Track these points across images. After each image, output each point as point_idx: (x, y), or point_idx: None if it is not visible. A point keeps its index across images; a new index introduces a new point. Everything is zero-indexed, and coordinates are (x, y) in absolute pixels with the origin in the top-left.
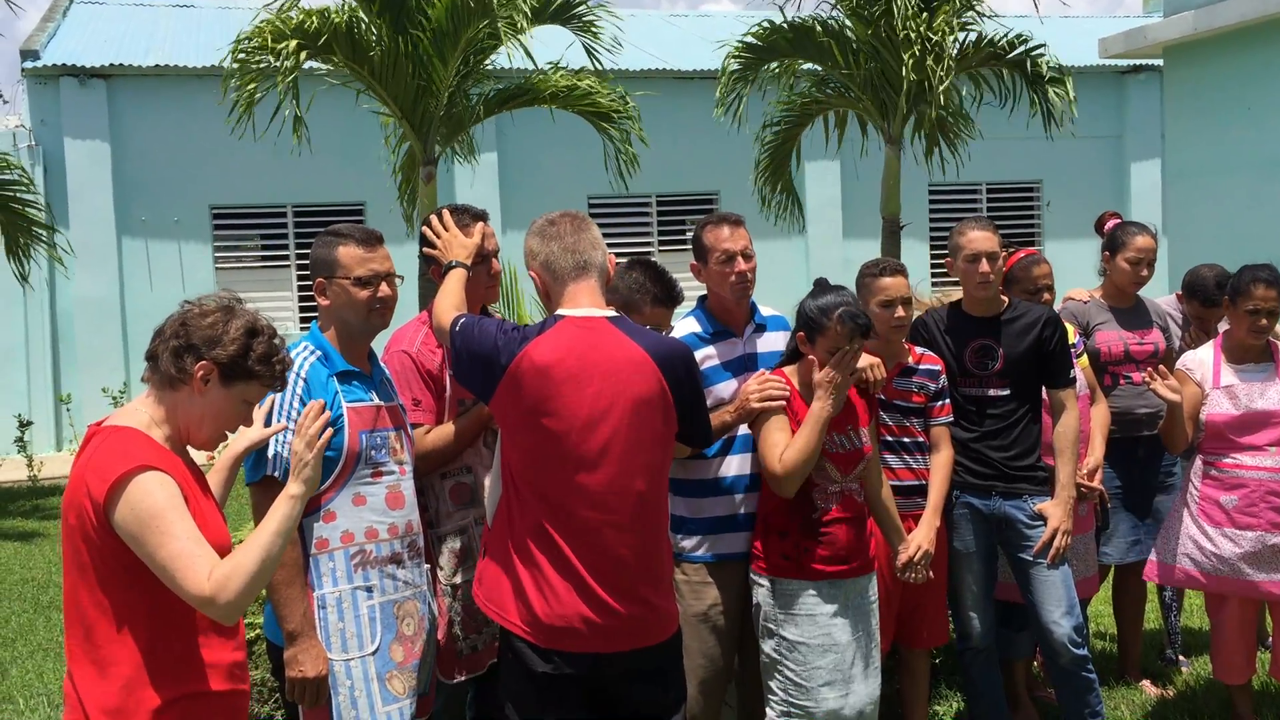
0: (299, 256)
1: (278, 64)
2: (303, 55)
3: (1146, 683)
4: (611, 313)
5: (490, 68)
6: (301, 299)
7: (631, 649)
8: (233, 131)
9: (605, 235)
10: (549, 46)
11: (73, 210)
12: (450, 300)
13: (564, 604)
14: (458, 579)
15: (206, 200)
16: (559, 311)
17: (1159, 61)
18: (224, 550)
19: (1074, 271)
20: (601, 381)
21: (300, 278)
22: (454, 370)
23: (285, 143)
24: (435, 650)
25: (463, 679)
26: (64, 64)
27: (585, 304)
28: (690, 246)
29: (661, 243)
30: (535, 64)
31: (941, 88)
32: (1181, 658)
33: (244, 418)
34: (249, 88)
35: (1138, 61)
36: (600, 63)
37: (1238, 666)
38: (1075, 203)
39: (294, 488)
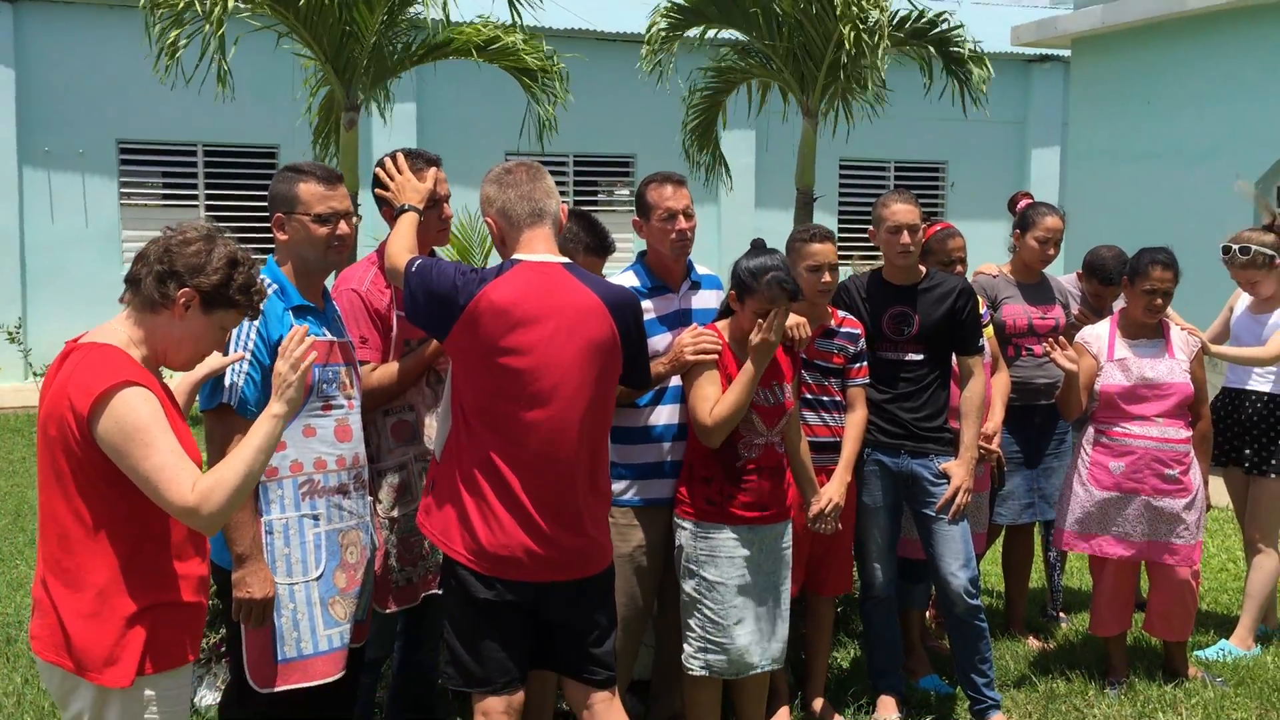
0: (208, 197)
1: (204, 9)
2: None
3: (1031, 637)
4: (566, 259)
5: (416, 17)
6: None
7: (569, 579)
8: (156, 73)
9: None
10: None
11: None
12: (403, 242)
13: (508, 534)
14: (396, 513)
15: (114, 134)
16: (515, 256)
17: (1064, 52)
18: (196, 464)
19: (975, 250)
20: (556, 323)
21: (209, 217)
22: (407, 309)
23: (197, 80)
24: (373, 580)
25: (396, 610)
26: None
27: (541, 250)
28: (603, 207)
29: (577, 202)
30: (452, 18)
31: (873, 60)
32: (1062, 614)
33: (219, 343)
34: (173, 35)
35: (1044, 51)
36: (521, 16)
37: (1114, 621)
38: (978, 184)
39: (276, 407)
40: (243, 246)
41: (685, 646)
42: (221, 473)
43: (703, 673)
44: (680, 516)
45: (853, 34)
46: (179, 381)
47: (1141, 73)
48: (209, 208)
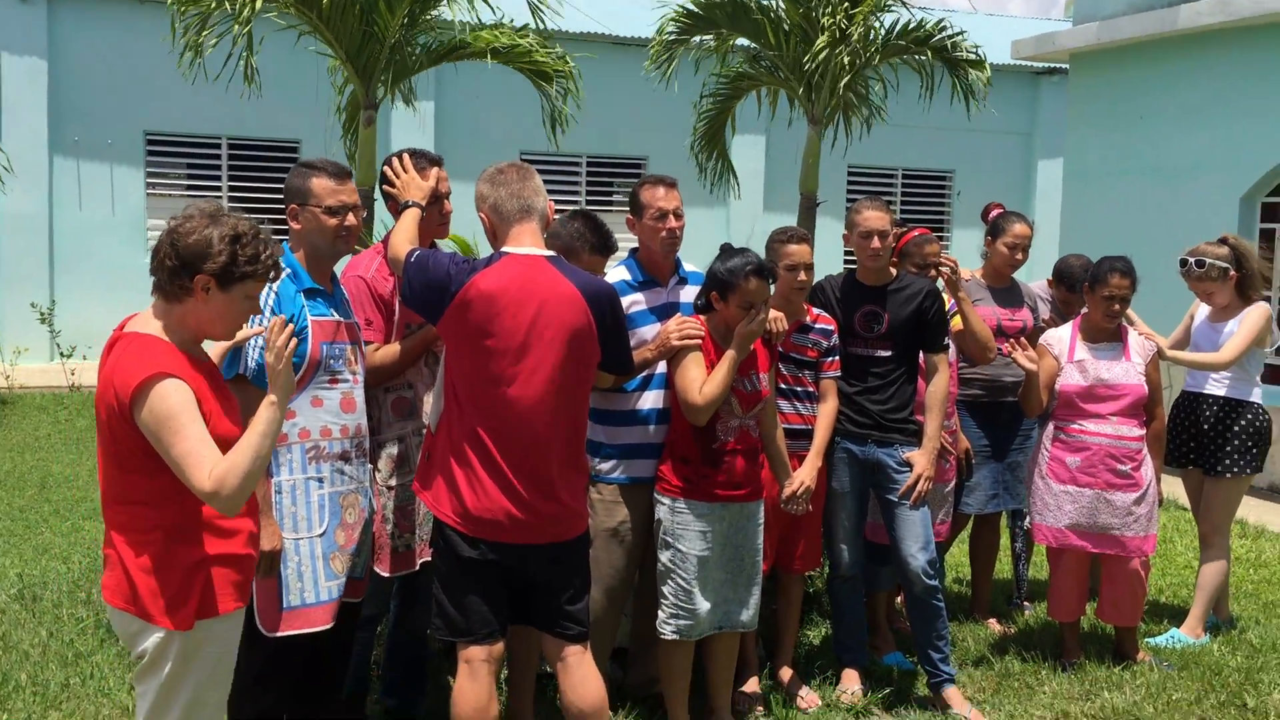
0: (231, 189)
1: (232, 9)
2: (257, 2)
3: (993, 621)
4: (550, 253)
5: (434, 18)
6: None
7: (548, 542)
8: (181, 70)
9: None
10: (493, 2)
11: (6, 127)
12: (404, 235)
13: (491, 500)
14: (394, 481)
15: (141, 126)
16: (504, 249)
17: (1067, 65)
18: (233, 438)
19: (979, 258)
20: (537, 311)
21: (231, 209)
22: (404, 295)
23: (224, 76)
24: (371, 541)
25: (395, 574)
26: None
27: (527, 244)
28: (617, 207)
29: (590, 201)
30: (479, 19)
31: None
32: (1026, 603)
33: (251, 309)
34: (201, 35)
35: (1050, 64)
36: (544, 21)
37: (1069, 607)
38: (984, 194)
39: (272, 395)
40: (246, 217)
41: (660, 613)
42: (233, 459)
43: (674, 636)
44: (660, 493)
45: (827, 45)
46: (215, 350)
47: (1135, 89)
48: (231, 199)
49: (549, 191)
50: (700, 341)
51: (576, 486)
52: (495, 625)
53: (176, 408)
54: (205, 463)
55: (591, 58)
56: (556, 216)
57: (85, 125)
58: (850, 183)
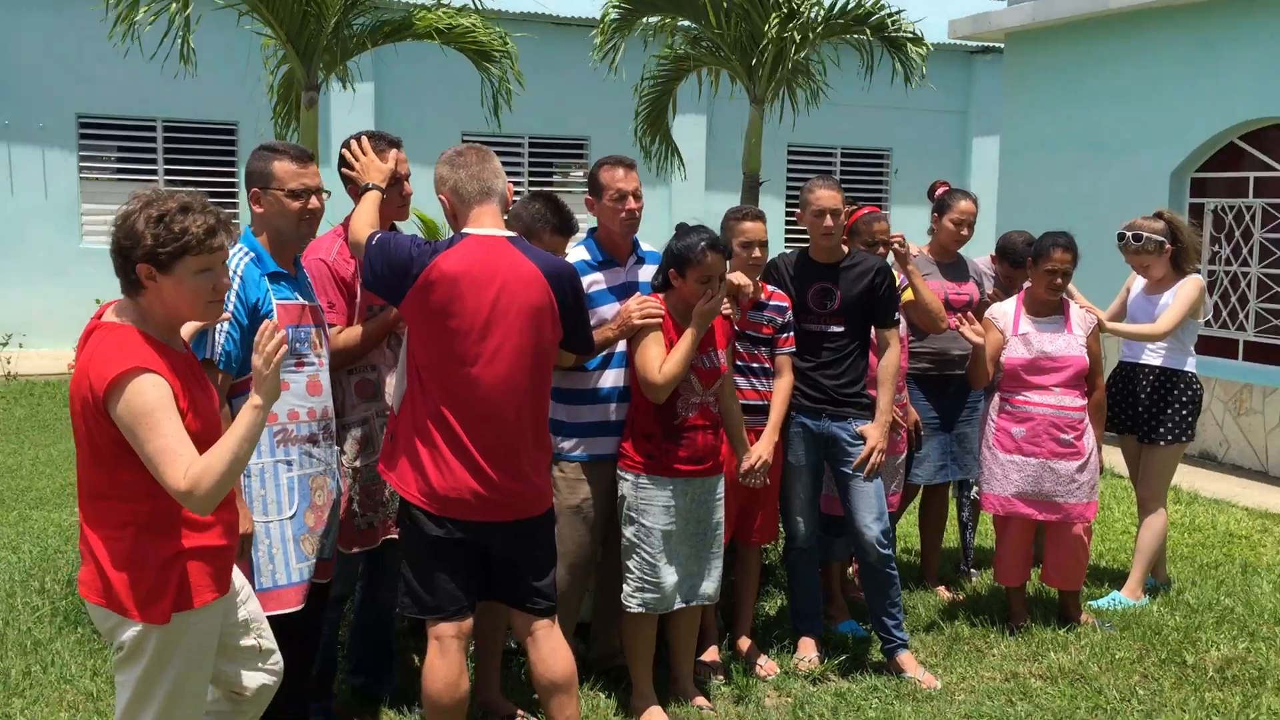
0: (167, 172)
1: None
2: None
3: (942, 588)
4: (511, 234)
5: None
6: None
7: (513, 519)
8: (115, 48)
9: None
10: None
11: None
12: (365, 219)
13: (457, 479)
14: (358, 463)
15: (74, 108)
16: (464, 230)
17: (1002, 44)
18: (213, 434)
19: (917, 234)
20: (499, 291)
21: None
22: (365, 278)
23: (158, 56)
24: (339, 522)
25: (358, 551)
26: None
27: (488, 225)
28: (558, 188)
29: (532, 183)
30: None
31: (799, 55)
32: (973, 570)
33: (214, 280)
34: (140, 12)
35: (985, 43)
36: (482, 1)
37: (1015, 572)
38: (921, 171)
39: (256, 399)
40: (184, 191)
41: (624, 586)
42: (209, 460)
43: (639, 609)
44: (624, 469)
45: (777, 22)
46: (185, 331)
47: (1069, 68)
48: (168, 182)
49: None
50: (660, 321)
51: (541, 464)
52: (464, 602)
53: (153, 404)
54: (181, 461)
55: (533, 39)
56: (516, 198)
57: (15, 108)
58: (790, 162)
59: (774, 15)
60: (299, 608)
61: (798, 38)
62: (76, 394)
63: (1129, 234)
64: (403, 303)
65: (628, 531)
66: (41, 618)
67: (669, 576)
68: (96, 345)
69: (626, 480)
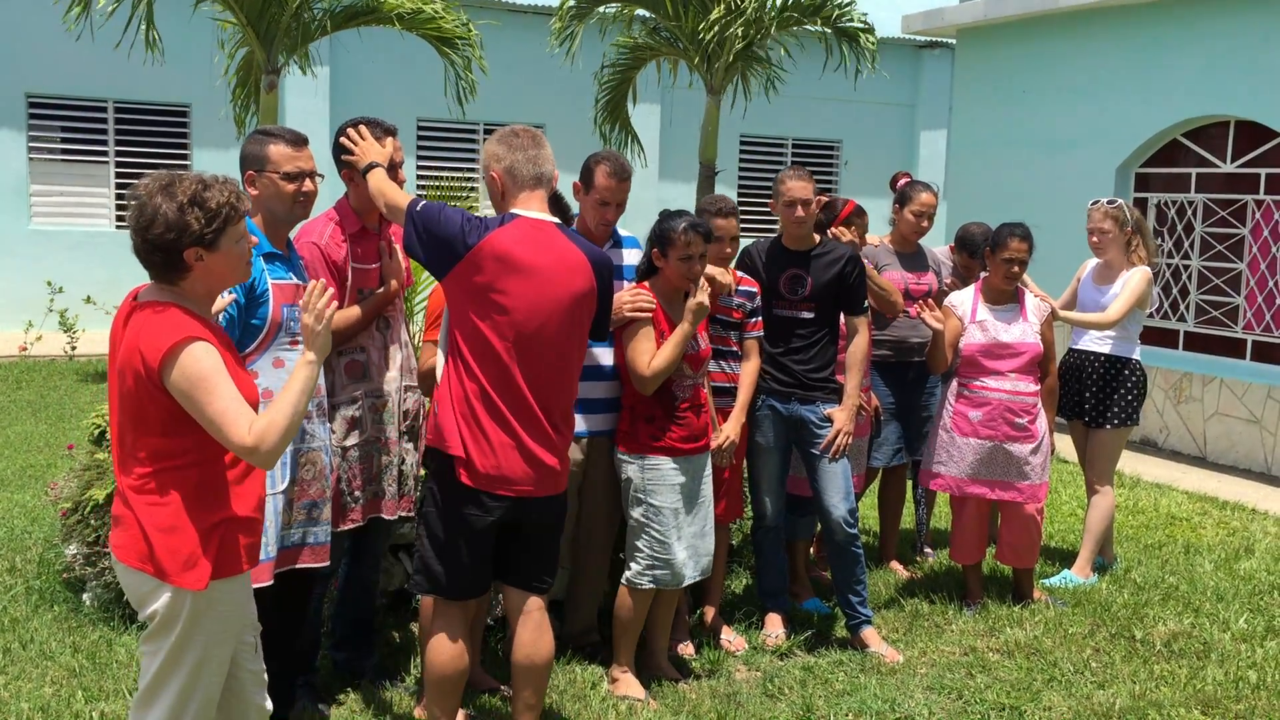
0: (118, 154)
1: None
2: None
3: (899, 566)
4: (557, 220)
5: None
6: (119, 197)
7: (545, 495)
8: (66, 28)
9: (434, 159)
10: None
11: None
12: (390, 188)
13: (499, 455)
14: (348, 442)
15: (23, 87)
16: (514, 211)
17: (953, 40)
18: (253, 403)
19: (872, 224)
20: (548, 274)
21: (118, 175)
22: (407, 243)
23: (111, 36)
24: (331, 500)
25: (345, 528)
26: None
27: (536, 209)
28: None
29: None
30: None
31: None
32: (929, 549)
33: (247, 249)
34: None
35: (934, 38)
36: None
37: (971, 552)
38: (870, 163)
39: (310, 354)
40: (177, 173)
41: (632, 565)
42: (272, 415)
43: (650, 587)
44: (627, 452)
45: (721, 16)
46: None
47: (1019, 64)
48: (119, 164)
49: (448, 160)
50: (651, 313)
51: (568, 443)
52: (476, 590)
53: (208, 369)
54: (243, 419)
55: (495, 25)
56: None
57: None
58: (743, 152)
59: (717, 9)
60: (269, 583)
61: (740, 32)
62: (127, 370)
63: (1104, 199)
64: (447, 277)
65: (635, 512)
66: (16, 597)
67: (680, 553)
68: (144, 323)
69: (632, 463)
